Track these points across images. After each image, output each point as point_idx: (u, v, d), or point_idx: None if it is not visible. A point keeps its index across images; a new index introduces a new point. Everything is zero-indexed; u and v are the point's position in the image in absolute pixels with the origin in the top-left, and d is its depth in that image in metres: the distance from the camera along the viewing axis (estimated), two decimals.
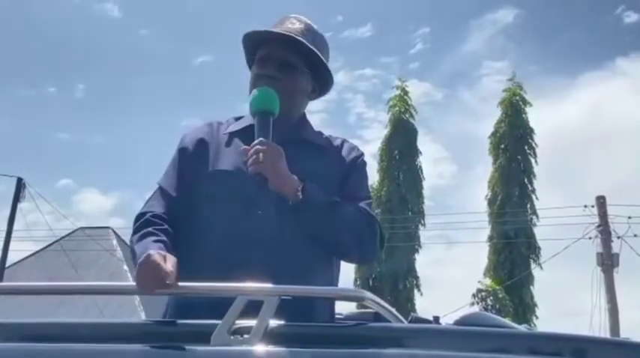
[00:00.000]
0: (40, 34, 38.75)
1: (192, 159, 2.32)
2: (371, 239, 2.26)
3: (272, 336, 1.39)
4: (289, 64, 2.35)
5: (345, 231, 2.22)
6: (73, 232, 22.28)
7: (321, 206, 2.18)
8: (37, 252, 22.22)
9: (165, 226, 2.18)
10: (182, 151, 2.36)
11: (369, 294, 1.53)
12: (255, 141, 2.13)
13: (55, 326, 1.63)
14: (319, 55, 2.38)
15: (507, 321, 1.66)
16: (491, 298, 20.74)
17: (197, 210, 2.22)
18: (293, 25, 2.39)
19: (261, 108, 2.21)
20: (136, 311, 17.30)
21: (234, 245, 2.13)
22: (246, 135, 2.30)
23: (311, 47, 2.35)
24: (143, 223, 2.19)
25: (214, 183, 2.23)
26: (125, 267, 20.25)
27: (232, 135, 2.35)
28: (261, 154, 2.09)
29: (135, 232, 2.19)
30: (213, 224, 2.18)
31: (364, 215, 2.27)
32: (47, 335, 1.56)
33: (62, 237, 21.87)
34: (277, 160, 2.13)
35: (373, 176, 24.62)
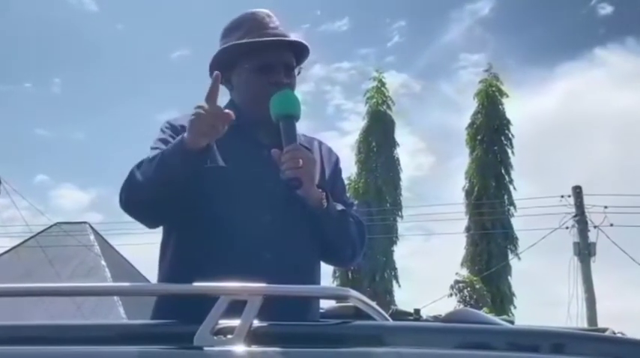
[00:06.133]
0: (15, 29, 38.33)
1: None
2: (362, 246, 2.35)
3: (255, 336, 1.38)
4: (292, 68, 2.36)
5: (348, 239, 2.29)
6: (49, 228, 22.08)
7: (337, 214, 2.23)
8: (13, 248, 22.00)
9: None
10: (175, 134, 2.26)
11: (353, 292, 1.52)
12: (291, 146, 2.12)
13: (33, 328, 1.61)
14: (309, 51, 2.40)
15: (493, 317, 1.66)
16: (468, 289, 20.85)
17: (201, 207, 2.18)
18: (273, 24, 2.37)
19: (285, 112, 2.19)
20: (115, 307, 17.19)
21: (245, 245, 2.13)
22: (236, 134, 2.27)
23: (309, 48, 2.39)
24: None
25: (220, 182, 2.18)
26: (103, 262, 20.11)
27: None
28: (300, 160, 2.09)
29: (140, 165, 2.16)
30: (221, 223, 2.16)
31: (358, 223, 2.35)
32: (25, 338, 1.53)
33: (38, 233, 21.66)
34: (314, 167, 2.16)
35: (351, 168, 24.65)
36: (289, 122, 2.17)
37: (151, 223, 2.29)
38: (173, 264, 2.24)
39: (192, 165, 2.08)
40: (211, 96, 2.06)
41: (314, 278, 2.30)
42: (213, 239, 2.16)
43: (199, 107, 2.04)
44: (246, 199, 2.19)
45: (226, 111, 2.05)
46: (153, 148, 2.24)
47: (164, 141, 2.26)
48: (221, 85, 2.22)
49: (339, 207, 2.27)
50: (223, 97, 2.43)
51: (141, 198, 2.15)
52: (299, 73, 2.40)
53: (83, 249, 20.68)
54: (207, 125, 2.03)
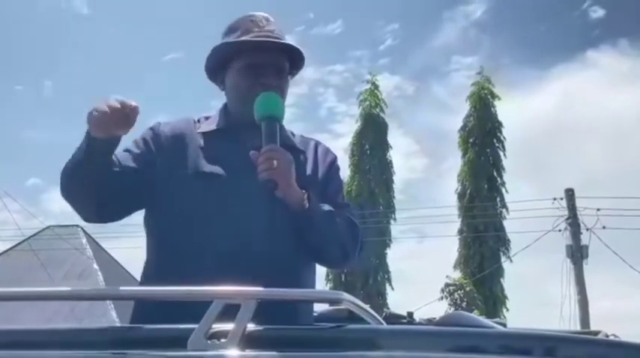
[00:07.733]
0: (6, 31, 38.24)
1: (167, 151, 2.28)
2: (355, 248, 2.31)
3: (249, 340, 1.37)
4: (283, 70, 2.35)
5: (336, 240, 2.25)
6: (41, 231, 22.01)
7: (321, 215, 2.20)
8: (5, 251, 21.94)
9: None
10: (156, 137, 2.31)
11: (347, 296, 1.52)
12: (267, 148, 2.10)
13: (24, 333, 1.60)
14: (304, 56, 2.38)
15: (486, 321, 1.66)
16: (459, 292, 20.85)
17: (185, 210, 2.19)
18: (270, 27, 2.35)
19: (268, 114, 2.18)
20: (107, 311, 17.17)
21: (229, 247, 2.12)
22: (223, 136, 2.28)
23: (302, 52, 2.36)
24: None
25: (205, 185, 2.19)
26: (95, 266, 20.09)
27: (208, 135, 2.32)
28: (275, 161, 2.07)
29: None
30: (206, 227, 2.16)
31: (350, 224, 2.30)
32: (17, 342, 1.52)
33: (30, 236, 21.59)
34: (290, 167, 2.13)
35: (344, 170, 24.65)
36: (271, 123, 2.17)
37: (82, 212, 2.28)
38: (154, 267, 2.27)
39: (98, 151, 2.08)
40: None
41: (304, 280, 2.26)
42: (197, 243, 2.16)
43: (95, 108, 2.01)
44: (230, 202, 2.18)
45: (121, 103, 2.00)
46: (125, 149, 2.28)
47: (135, 142, 2.31)
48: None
49: (327, 207, 2.24)
50: (216, 101, 2.44)
51: (64, 181, 2.18)
52: (292, 77, 2.40)
53: (75, 252, 20.63)
54: (98, 122, 2.01)
